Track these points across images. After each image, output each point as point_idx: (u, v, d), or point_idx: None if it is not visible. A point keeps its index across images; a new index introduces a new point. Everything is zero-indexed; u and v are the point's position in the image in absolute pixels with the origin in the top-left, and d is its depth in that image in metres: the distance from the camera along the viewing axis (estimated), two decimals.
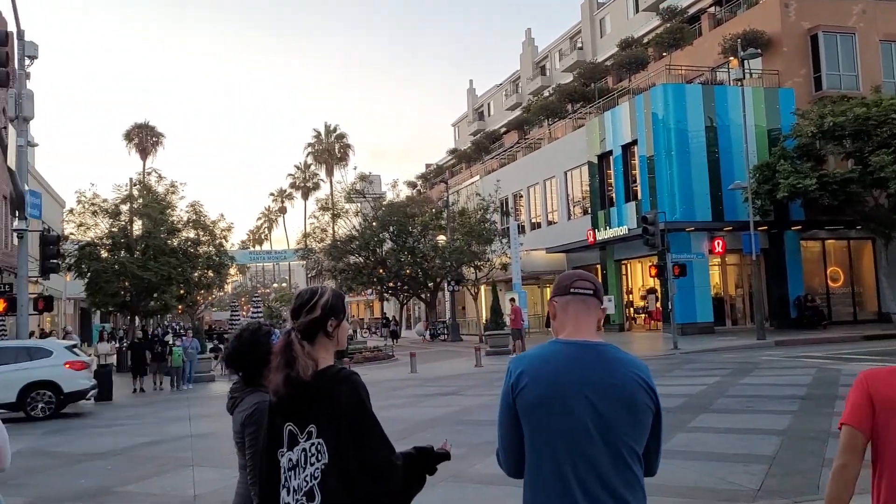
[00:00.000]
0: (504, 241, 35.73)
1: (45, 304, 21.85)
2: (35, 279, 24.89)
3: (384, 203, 43.78)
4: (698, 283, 28.73)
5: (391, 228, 39.68)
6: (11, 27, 19.84)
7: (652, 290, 32.70)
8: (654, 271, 25.92)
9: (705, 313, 29.16)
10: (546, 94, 49.18)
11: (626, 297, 34.77)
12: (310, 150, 73.08)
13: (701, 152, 29.40)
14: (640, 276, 34.26)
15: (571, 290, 2.43)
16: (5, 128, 22.57)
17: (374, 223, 40.52)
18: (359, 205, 44.23)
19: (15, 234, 20.73)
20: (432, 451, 2.59)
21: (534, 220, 40.73)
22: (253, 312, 28.69)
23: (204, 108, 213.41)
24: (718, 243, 29.15)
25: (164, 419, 15.31)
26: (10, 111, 20.62)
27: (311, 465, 2.36)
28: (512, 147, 48.27)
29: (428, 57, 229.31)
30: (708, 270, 29.88)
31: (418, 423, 11.83)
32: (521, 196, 41.99)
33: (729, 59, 31.99)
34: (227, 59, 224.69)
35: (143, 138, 63.97)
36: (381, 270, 40.37)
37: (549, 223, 39.04)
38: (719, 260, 31.14)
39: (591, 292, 2.44)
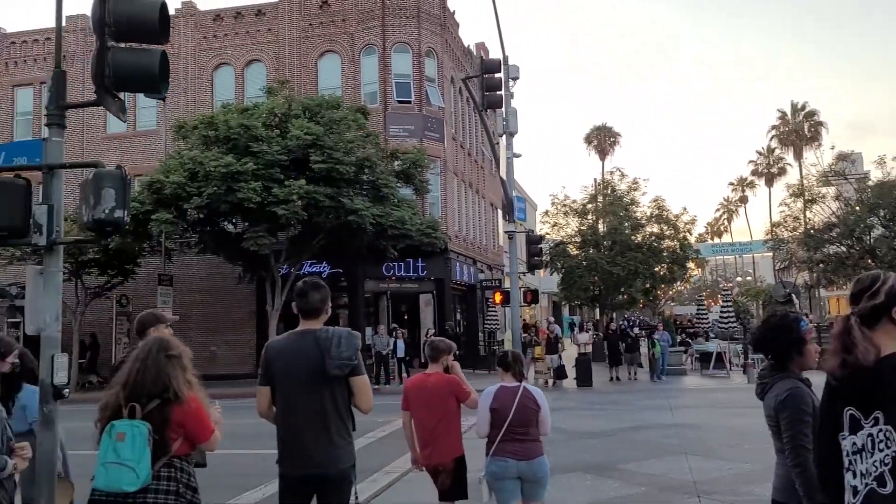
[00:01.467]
0: None
1: (532, 296, 24.72)
2: (519, 275, 28.10)
3: (870, 184, 38.35)
4: None
5: (881, 212, 34.64)
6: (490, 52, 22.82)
7: None
8: None
9: None
10: None
11: None
12: (773, 132, 68.23)
13: None
14: None
15: None
16: (497, 143, 26.10)
17: (857, 207, 35.86)
18: (838, 188, 39.61)
19: (506, 236, 23.74)
20: None
21: None
22: (722, 307, 27.80)
23: (654, 102, 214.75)
24: None
25: (642, 407, 15.87)
26: (499, 128, 23.78)
27: (880, 450, 2.27)
28: None
29: None
30: None
31: None
32: None
33: None
34: (672, 50, 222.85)
35: (602, 139, 67.62)
36: (869, 260, 35.52)
37: None
38: None
39: None
